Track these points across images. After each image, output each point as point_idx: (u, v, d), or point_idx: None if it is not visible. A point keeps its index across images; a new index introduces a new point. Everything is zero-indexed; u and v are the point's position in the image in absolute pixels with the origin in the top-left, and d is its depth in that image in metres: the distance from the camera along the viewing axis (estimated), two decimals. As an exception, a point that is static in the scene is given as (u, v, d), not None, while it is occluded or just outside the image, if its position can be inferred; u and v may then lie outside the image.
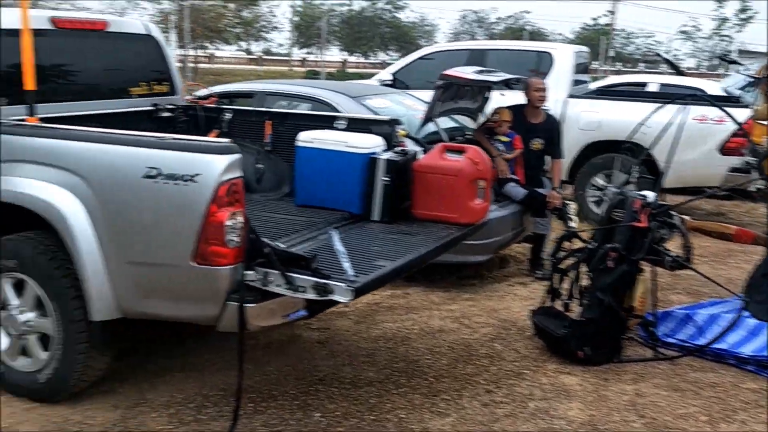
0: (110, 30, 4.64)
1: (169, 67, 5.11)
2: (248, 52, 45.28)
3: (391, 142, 4.37)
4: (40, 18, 4.15)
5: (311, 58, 45.17)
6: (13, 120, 3.78)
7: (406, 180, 4.24)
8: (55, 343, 3.53)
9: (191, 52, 24.84)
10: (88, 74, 4.58)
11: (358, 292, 3.05)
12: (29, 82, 3.75)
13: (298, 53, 47.17)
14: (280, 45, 47.50)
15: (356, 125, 4.58)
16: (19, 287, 3.63)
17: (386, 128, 4.44)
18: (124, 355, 3.95)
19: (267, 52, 46.75)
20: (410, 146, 4.68)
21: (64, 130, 3.56)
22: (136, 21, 5.13)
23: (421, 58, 9.38)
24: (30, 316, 3.60)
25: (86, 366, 3.55)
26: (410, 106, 6.30)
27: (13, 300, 3.64)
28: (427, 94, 6.54)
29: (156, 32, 5.00)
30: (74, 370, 3.54)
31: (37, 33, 3.85)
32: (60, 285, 3.46)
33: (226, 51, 41.98)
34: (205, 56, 34.82)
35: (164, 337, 4.38)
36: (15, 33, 3.82)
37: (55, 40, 4.29)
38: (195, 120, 5.17)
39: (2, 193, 3.57)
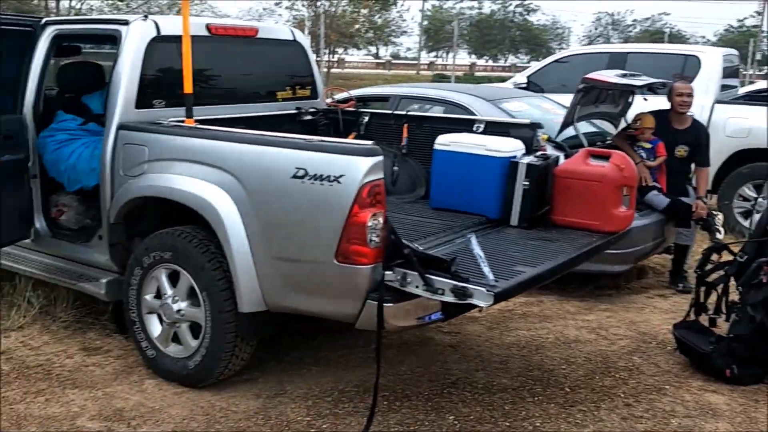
0: (260, 36, 4.85)
1: (313, 72, 5.28)
2: (376, 56, 46.05)
3: (531, 146, 4.31)
4: (197, 25, 4.37)
5: (439, 61, 45.37)
6: (172, 121, 4.04)
7: (547, 185, 4.18)
8: (204, 332, 3.72)
9: (325, 58, 25.52)
10: (238, 79, 4.81)
11: (498, 297, 3.03)
12: (188, 86, 3.97)
13: (425, 57, 47.51)
14: (408, 49, 48.03)
15: (495, 128, 4.56)
16: (173, 278, 3.86)
17: (526, 132, 4.40)
18: (264, 347, 4.11)
19: (395, 56, 47.39)
20: (550, 150, 4.60)
21: (220, 132, 3.76)
22: (284, 27, 5.33)
23: (556, 61, 9.21)
24: (183, 305, 3.82)
25: (232, 355, 3.72)
26: (548, 110, 6.20)
27: (168, 290, 3.87)
28: (563, 98, 6.42)
29: (301, 38, 5.18)
30: (221, 359, 3.71)
31: (195, 39, 4.07)
32: (211, 277, 3.64)
33: (355, 55, 42.92)
34: (335, 61, 35.69)
35: (301, 331, 4.51)
36: (175, 39, 4.06)
37: (210, 46, 4.52)
38: (335, 123, 5.32)
39: (160, 189, 3.82)
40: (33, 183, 4.43)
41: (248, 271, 3.51)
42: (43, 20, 4.53)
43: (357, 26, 30.21)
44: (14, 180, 4.32)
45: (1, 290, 4.87)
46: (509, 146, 4.25)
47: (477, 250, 3.52)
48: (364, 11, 30.16)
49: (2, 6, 22.68)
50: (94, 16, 18.11)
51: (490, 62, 47.08)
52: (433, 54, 47.47)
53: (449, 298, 3.06)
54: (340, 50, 34.90)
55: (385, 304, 3.17)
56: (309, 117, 5.19)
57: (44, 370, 4.01)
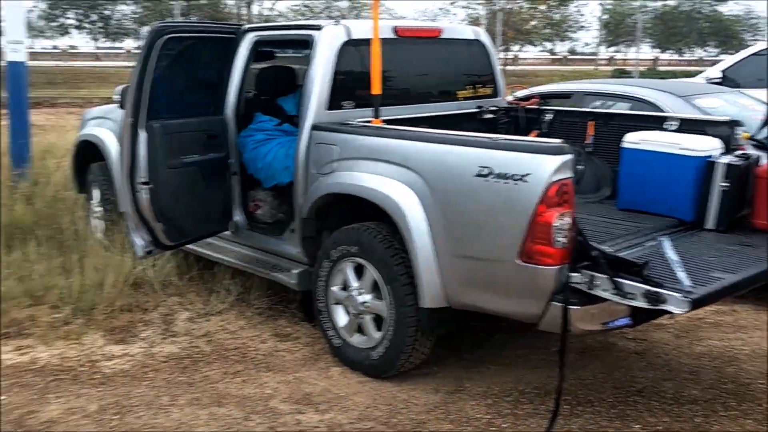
0: (443, 36, 4.91)
1: (494, 71, 5.26)
2: (552, 52, 44.98)
3: (729, 145, 4.05)
4: (385, 28, 4.47)
5: (618, 56, 43.57)
6: (360, 122, 4.19)
7: (747, 186, 3.90)
8: (387, 325, 3.84)
9: (501, 55, 25.34)
10: (422, 79, 4.90)
11: (696, 304, 2.89)
12: (376, 87, 4.09)
13: (604, 52, 45.78)
14: (586, 44, 46.45)
15: (689, 126, 4.32)
16: (359, 271, 4.01)
17: (724, 130, 4.13)
18: (443, 343, 4.16)
19: (572, 51, 46.02)
20: (750, 150, 4.29)
21: (405, 131, 3.86)
22: (467, 27, 5.35)
23: (755, 54, 8.55)
24: (367, 297, 3.96)
25: (413, 348, 3.81)
26: (746, 107, 5.77)
27: (354, 282, 4.02)
28: (762, 94, 5.96)
29: (484, 37, 5.18)
30: (403, 351, 3.81)
31: (382, 42, 4.16)
32: (394, 271, 3.75)
33: (530, 52, 42.18)
34: (510, 58, 35.28)
35: (482, 329, 4.52)
36: (364, 42, 4.21)
37: (396, 48, 4.62)
38: (515, 121, 5.27)
39: (349, 187, 3.97)
40: (233, 179, 4.77)
41: (430, 267, 3.58)
42: (244, 27, 4.84)
43: (534, 23, 29.71)
44: (216, 176, 4.68)
45: (203, 277, 5.30)
46: (706, 145, 4.02)
47: (671, 253, 3.36)
48: (542, 7, 29.57)
49: (198, 14, 24.60)
50: (283, 22, 19.13)
51: (675, 56, 44.52)
52: (613, 49, 45.59)
53: (640, 304, 2.96)
54: (516, 47, 34.45)
55: (570, 307, 3.11)
56: (489, 115, 5.18)
57: (240, 353, 4.31)
